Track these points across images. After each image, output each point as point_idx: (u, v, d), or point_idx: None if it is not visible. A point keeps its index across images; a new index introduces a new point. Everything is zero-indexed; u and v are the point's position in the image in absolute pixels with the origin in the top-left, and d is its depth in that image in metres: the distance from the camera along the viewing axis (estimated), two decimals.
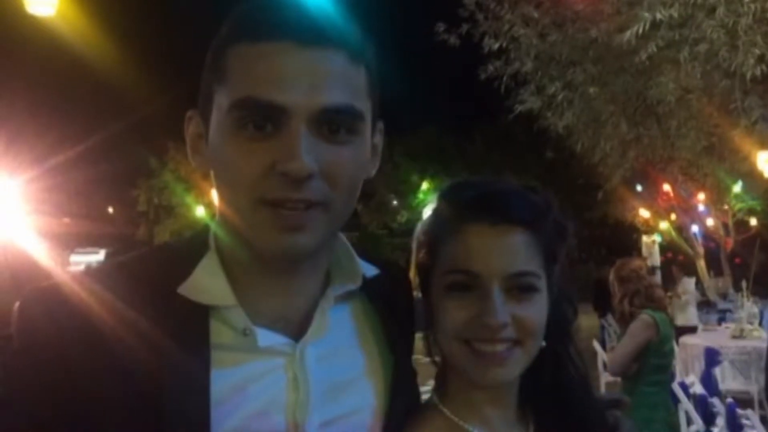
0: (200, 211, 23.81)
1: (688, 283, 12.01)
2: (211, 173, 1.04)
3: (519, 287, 1.10)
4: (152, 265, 1.07)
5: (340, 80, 0.98)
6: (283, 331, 1.06)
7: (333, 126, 0.98)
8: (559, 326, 1.17)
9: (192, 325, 0.99)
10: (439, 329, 1.13)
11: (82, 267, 1.10)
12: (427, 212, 1.23)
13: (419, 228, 1.23)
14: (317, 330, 1.08)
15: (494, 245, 1.10)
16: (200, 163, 1.07)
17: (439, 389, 1.20)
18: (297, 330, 1.07)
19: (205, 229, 1.12)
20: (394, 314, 1.19)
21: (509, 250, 1.10)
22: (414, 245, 1.23)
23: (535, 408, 1.20)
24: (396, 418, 1.12)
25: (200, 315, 1.01)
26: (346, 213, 1.05)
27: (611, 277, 4.81)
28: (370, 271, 1.17)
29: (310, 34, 0.96)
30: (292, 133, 0.95)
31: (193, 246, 1.09)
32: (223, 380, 0.99)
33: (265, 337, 1.03)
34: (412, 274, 1.24)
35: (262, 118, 0.95)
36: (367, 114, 1.03)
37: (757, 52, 7.60)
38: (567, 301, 1.20)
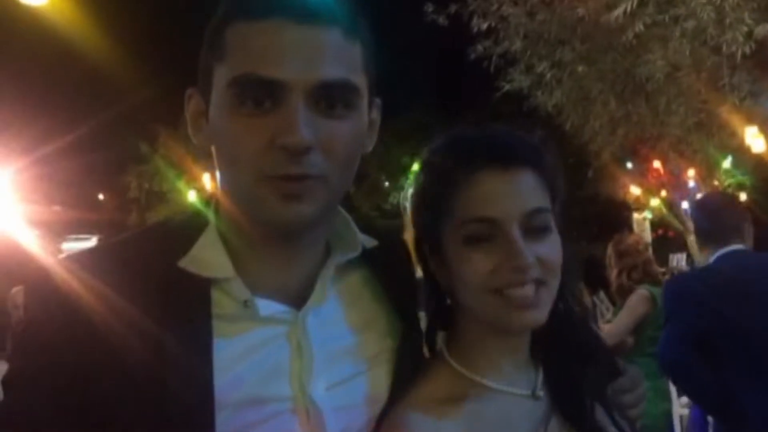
0: (192, 196, 23.69)
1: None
2: (213, 150, 1.07)
3: (536, 227, 1.11)
4: (151, 243, 1.10)
5: (336, 55, 1.00)
6: (284, 301, 1.08)
7: (330, 101, 1.00)
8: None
9: (193, 297, 1.02)
10: (463, 283, 1.13)
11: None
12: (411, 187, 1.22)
13: (411, 190, 1.22)
14: (318, 298, 1.10)
15: (508, 188, 1.11)
16: (201, 141, 1.10)
17: (449, 341, 1.21)
18: (299, 299, 1.10)
19: (204, 206, 1.14)
20: (396, 279, 1.22)
21: (523, 191, 1.11)
22: (409, 207, 1.22)
23: (543, 350, 1.21)
24: (404, 377, 1.15)
25: (202, 287, 1.03)
26: (345, 186, 1.08)
27: (609, 251, 4.85)
28: (369, 242, 1.20)
29: (305, 11, 0.99)
30: (290, 108, 0.97)
31: (192, 222, 1.11)
32: (226, 349, 1.01)
33: (266, 307, 1.06)
34: (410, 238, 1.24)
35: (260, 94, 0.98)
36: (363, 89, 1.06)
37: (745, 28, 7.64)
38: (565, 240, 1.19)
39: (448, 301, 1.21)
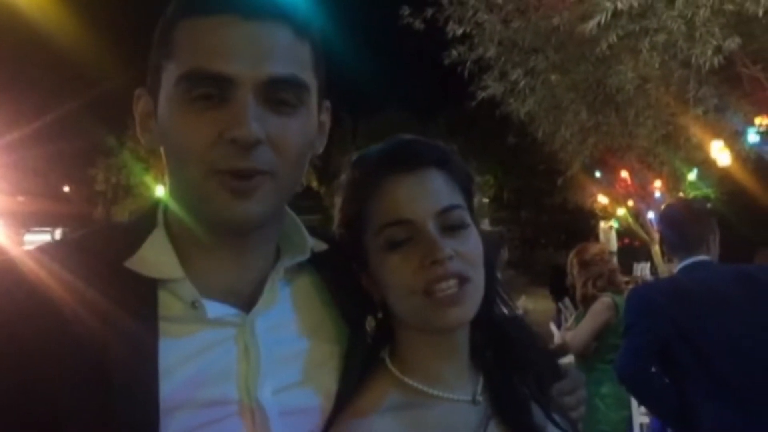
0: (160, 191, 23.44)
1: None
2: (162, 151, 1.06)
3: (452, 225, 1.13)
4: (101, 242, 1.09)
5: (285, 52, 1.01)
6: (233, 303, 1.08)
7: (279, 97, 1.01)
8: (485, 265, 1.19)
9: (139, 298, 1.01)
10: (390, 290, 1.14)
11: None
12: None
13: (337, 208, 1.24)
14: (267, 302, 1.10)
15: (418, 189, 1.13)
16: (150, 141, 1.09)
17: (391, 350, 1.22)
18: (248, 302, 1.09)
19: (154, 206, 1.14)
20: (345, 285, 1.21)
21: (433, 190, 1.14)
22: (336, 226, 1.24)
23: (482, 355, 1.23)
24: (350, 385, 1.15)
25: (148, 288, 1.02)
26: (293, 184, 1.08)
27: (571, 260, 4.91)
28: (318, 245, 1.20)
29: (255, 7, 1.00)
30: (239, 103, 0.97)
31: (141, 222, 1.11)
32: (172, 350, 1.00)
33: (214, 309, 1.05)
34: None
35: (209, 89, 0.98)
36: (312, 87, 1.07)
37: (714, 42, 7.76)
38: (490, 242, 1.22)
39: (380, 315, 1.22)
